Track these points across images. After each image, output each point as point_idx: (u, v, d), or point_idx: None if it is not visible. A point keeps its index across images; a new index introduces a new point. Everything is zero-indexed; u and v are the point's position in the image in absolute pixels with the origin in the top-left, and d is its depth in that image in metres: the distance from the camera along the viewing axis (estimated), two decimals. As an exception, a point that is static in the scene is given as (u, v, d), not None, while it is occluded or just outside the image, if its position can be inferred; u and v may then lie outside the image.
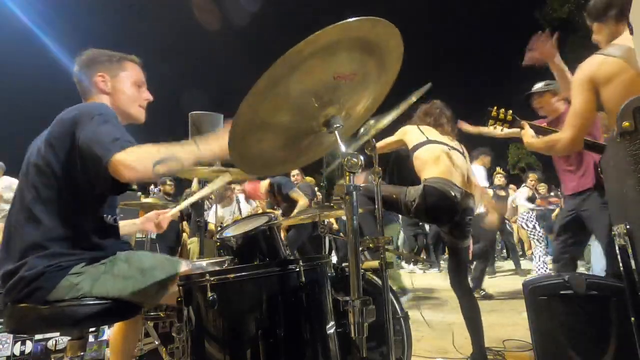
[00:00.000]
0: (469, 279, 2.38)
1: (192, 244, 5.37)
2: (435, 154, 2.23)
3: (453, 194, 2.08)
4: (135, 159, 1.09)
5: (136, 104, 1.47)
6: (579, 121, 1.67)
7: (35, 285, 1.16)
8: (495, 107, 2.15)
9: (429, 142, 2.29)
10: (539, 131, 2.06)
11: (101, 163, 1.09)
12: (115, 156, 1.08)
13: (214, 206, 5.48)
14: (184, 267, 1.38)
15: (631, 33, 1.25)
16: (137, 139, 1.21)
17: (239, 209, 5.23)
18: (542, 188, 8.42)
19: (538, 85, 2.81)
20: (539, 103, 2.82)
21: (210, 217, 4.96)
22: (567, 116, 1.73)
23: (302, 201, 4.29)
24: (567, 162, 2.71)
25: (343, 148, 0.95)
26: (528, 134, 2.03)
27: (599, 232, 2.42)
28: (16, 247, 1.23)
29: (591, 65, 1.63)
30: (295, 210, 4.22)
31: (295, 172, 5.32)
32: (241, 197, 5.48)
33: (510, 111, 2.14)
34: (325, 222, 2.04)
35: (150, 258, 1.38)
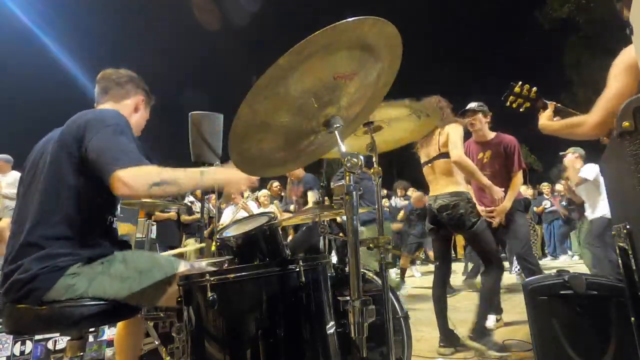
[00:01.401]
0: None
1: (187, 246, 5.35)
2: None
3: (426, 205, 2.72)
4: (133, 178, 1.14)
5: (143, 125, 1.69)
6: (610, 105, 1.49)
7: (30, 287, 1.16)
8: (520, 82, 2.00)
9: (422, 165, 2.80)
10: (565, 115, 1.87)
11: (105, 173, 1.15)
12: (117, 172, 1.13)
13: (225, 210, 5.52)
14: (182, 266, 1.37)
15: (631, 33, 1.23)
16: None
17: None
18: (546, 187, 8.46)
19: (473, 105, 3.00)
20: (473, 120, 2.98)
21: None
22: (599, 99, 1.55)
23: (310, 202, 4.34)
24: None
25: (343, 148, 0.95)
26: (547, 115, 1.89)
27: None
28: (15, 247, 1.23)
29: None
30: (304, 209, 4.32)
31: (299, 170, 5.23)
32: (251, 203, 5.46)
33: (535, 88, 1.98)
34: (325, 222, 2.04)
35: (148, 258, 1.37)
